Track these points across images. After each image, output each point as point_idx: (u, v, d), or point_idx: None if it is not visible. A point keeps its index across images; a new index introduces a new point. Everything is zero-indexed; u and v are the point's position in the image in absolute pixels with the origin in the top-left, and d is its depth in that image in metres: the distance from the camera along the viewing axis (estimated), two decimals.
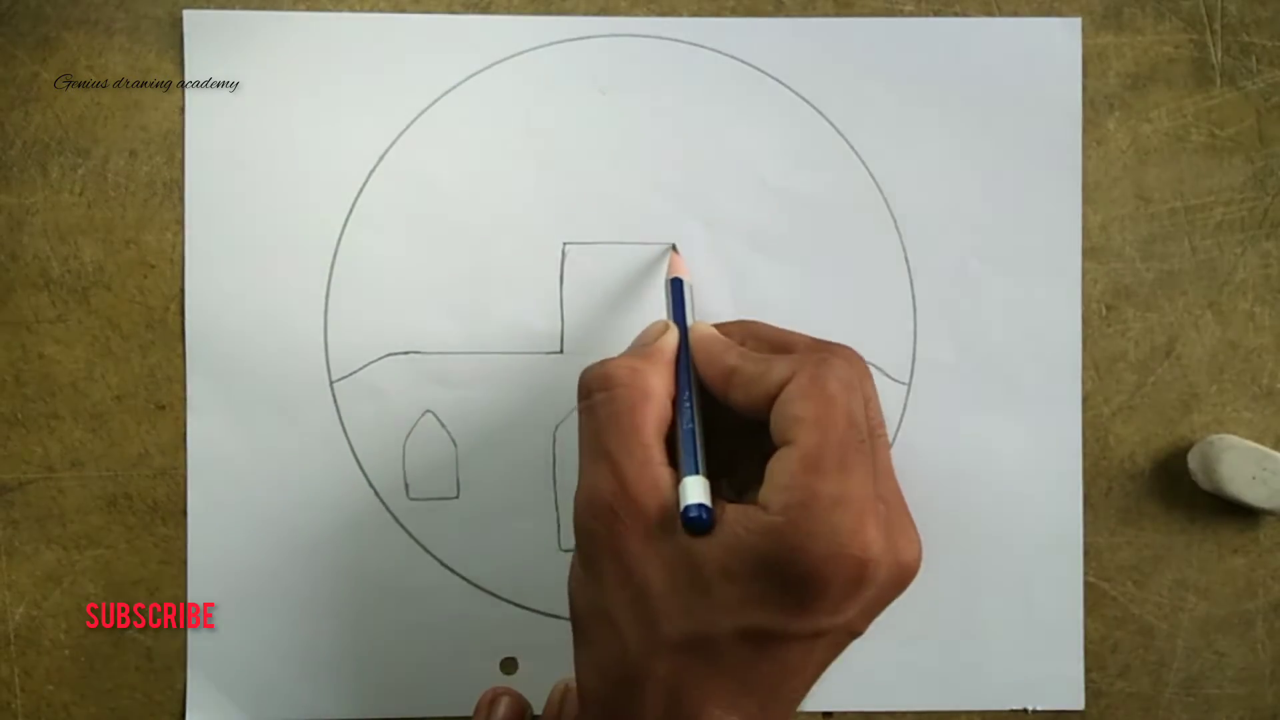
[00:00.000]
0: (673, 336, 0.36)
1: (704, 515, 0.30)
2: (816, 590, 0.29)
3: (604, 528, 0.32)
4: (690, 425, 0.33)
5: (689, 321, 0.37)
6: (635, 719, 0.31)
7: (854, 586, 0.29)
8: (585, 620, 0.33)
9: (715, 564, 0.30)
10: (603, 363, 0.34)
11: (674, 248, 0.42)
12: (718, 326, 0.36)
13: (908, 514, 0.33)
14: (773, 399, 0.32)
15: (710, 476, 0.31)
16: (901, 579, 0.32)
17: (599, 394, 0.33)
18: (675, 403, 0.34)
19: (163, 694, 0.42)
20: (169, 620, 0.42)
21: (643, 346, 0.36)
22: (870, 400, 0.33)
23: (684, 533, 0.30)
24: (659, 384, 0.34)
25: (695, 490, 0.31)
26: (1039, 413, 0.42)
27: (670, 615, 0.30)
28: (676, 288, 0.38)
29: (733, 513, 0.30)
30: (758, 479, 0.31)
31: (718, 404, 0.34)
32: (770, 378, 0.32)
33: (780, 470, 0.30)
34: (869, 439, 0.31)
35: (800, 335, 0.35)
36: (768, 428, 0.32)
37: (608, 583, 0.32)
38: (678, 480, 0.31)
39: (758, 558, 0.29)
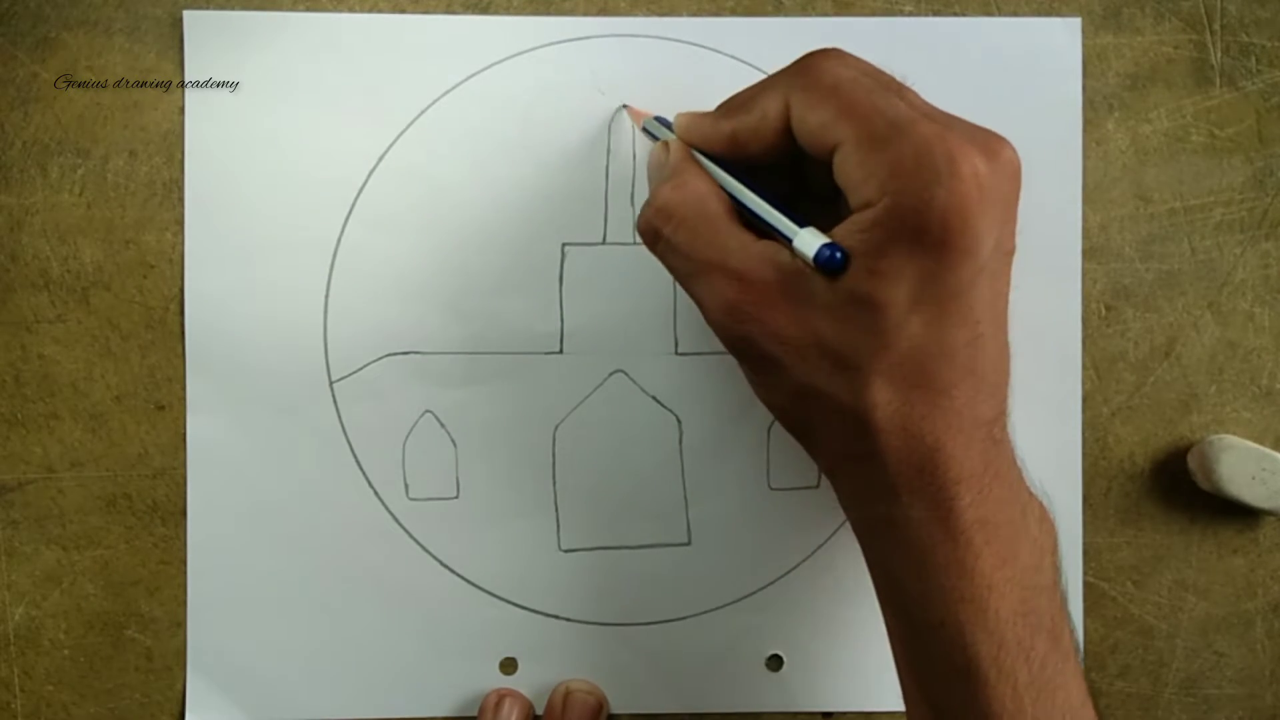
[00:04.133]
0: (678, 145, 0.36)
1: (836, 253, 0.30)
2: (955, 226, 0.29)
3: (750, 324, 0.32)
4: (757, 196, 0.33)
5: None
6: (879, 454, 0.31)
7: (980, 204, 0.29)
8: (793, 411, 0.34)
9: (864, 277, 0.30)
10: (647, 203, 0.34)
11: (624, 106, 0.42)
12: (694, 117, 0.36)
13: (976, 125, 0.32)
14: (784, 131, 0.32)
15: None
16: (1013, 174, 0.31)
17: (665, 227, 0.33)
18: (730, 191, 0.34)
19: (163, 694, 0.42)
20: (169, 620, 0.42)
21: (661, 171, 0.36)
22: (871, 70, 0.33)
23: (818, 279, 0.31)
24: (703, 182, 0.34)
25: (811, 239, 0.30)
26: (1039, 413, 0.42)
27: (857, 347, 0.31)
28: (661, 121, 0.38)
29: (843, 231, 0.30)
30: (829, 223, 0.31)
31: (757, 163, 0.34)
32: (769, 114, 0.33)
33: (849, 168, 0.30)
34: (893, 89, 0.32)
35: (775, 73, 0.35)
36: (805, 172, 0.33)
37: (786, 366, 0.32)
38: (779, 246, 0.32)
39: (894, 243, 0.29)
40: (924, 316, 0.30)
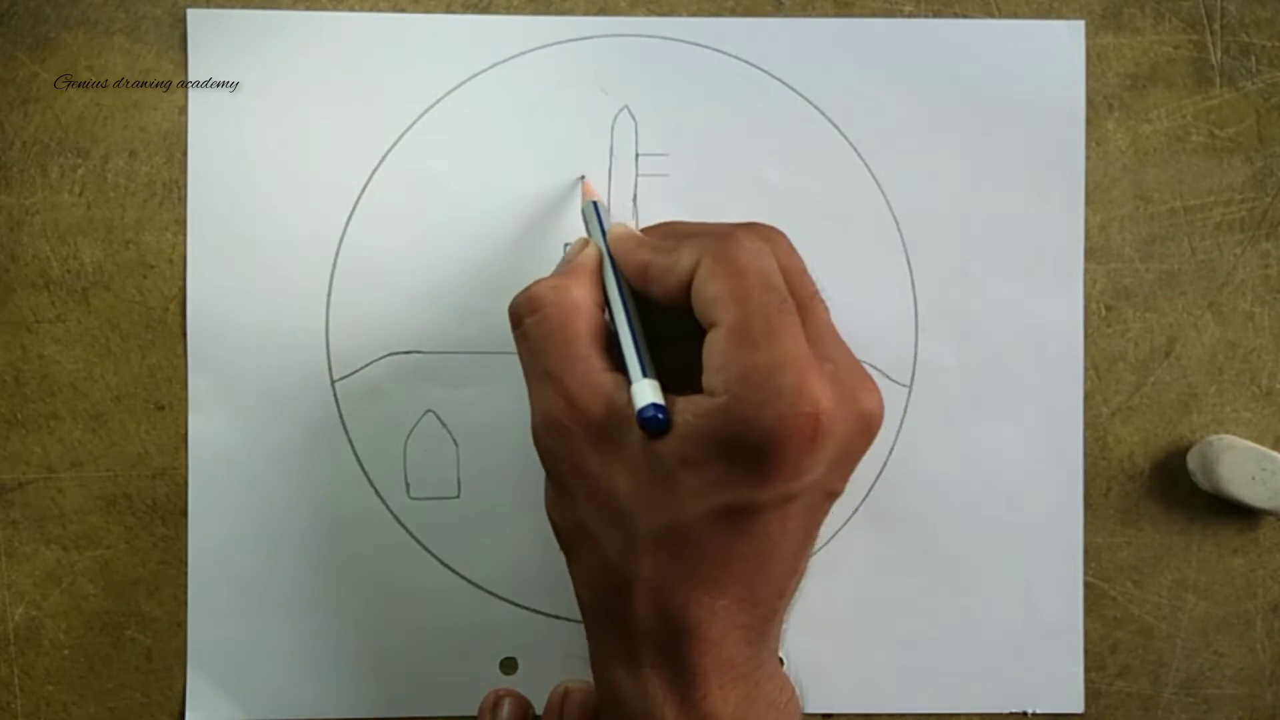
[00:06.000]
0: (592, 249, 0.36)
1: (659, 415, 0.30)
2: (773, 454, 0.29)
3: (559, 444, 0.32)
4: (629, 330, 0.33)
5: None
6: (629, 620, 0.32)
7: (810, 443, 0.29)
8: (566, 537, 0.34)
9: (673, 456, 0.30)
10: (526, 288, 0.34)
11: (582, 178, 0.42)
12: (643, 230, 0.36)
13: (860, 367, 0.32)
14: (687, 286, 0.32)
15: (660, 375, 0.31)
16: (865, 428, 0.31)
17: (528, 318, 0.33)
18: (611, 312, 0.34)
19: (163, 694, 0.42)
20: (169, 620, 0.42)
21: (565, 264, 0.36)
22: (795, 270, 0.33)
23: (639, 433, 0.31)
24: (584, 295, 0.34)
25: (646, 393, 0.31)
26: (1040, 414, 0.43)
27: (641, 514, 0.31)
28: (594, 209, 0.38)
29: (682, 404, 0.31)
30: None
31: (658, 305, 0.34)
32: (680, 265, 0.32)
33: (713, 352, 0.30)
34: (801, 301, 0.32)
35: (717, 224, 0.35)
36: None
37: (576, 497, 0.32)
38: (623, 383, 0.32)
39: (712, 440, 0.30)
40: (714, 516, 0.30)
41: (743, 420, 0.29)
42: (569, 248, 0.37)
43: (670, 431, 0.30)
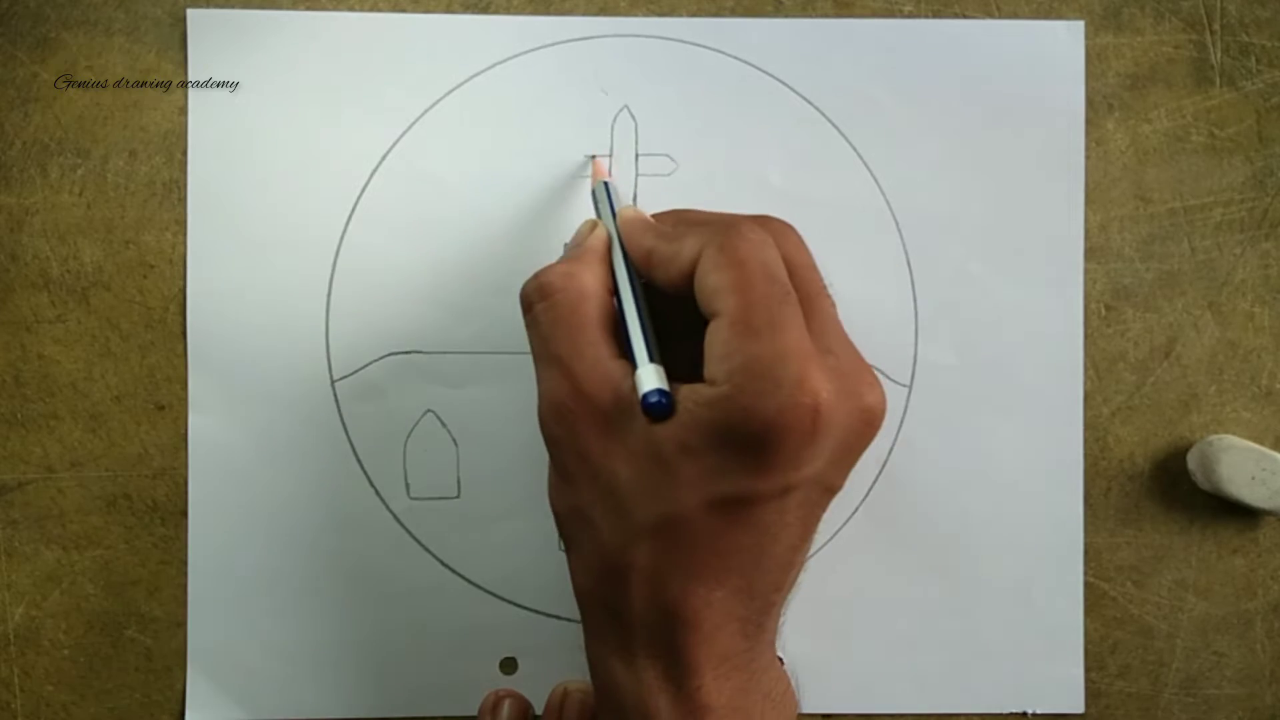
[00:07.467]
0: (601, 232, 0.36)
1: (664, 400, 0.30)
2: (772, 444, 0.29)
3: (565, 430, 0.32)
4: (636, 316, 0.33)
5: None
6: (625, 609, 0.32)
7: (810, 435, 0.29)
8: (566, 524, 0.34)
9: (674, 443, 0.30)
10: (537, 274, 0.34)
11: (593, 157, 0.42)
12: (653, 215, 0.36)
13: (864, 363, 0.32)
14: (690, 275, 0.32)
15: (664, 362, 0.32)
16: (866, 422, 0.31)
17: (539, 304, 0.34)
18: (619, 297, 0.34)
19: (163, 694, 0.42)
20: (169, 620, 0.42)
21: (574, 249, 0.36)
22: (802, 265, 0.33)
23: (642, 421, 0.31)
24: (594, 281, 0.34)
25: (651, 378, 0.31)
26: (1039, 414, 0.43)
27: (639, 502, 0.31)
28: (604, 190, 0.38)
29: (684, 392, 0.31)
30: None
31: (666, 295, 0.34)
32: (683, 254, 0.32)
33: (715, 342, 0.31)
34: (807, 295, 0.32)
35: (725, 214, 0.35)
36: None
37: (579, 483, 0.33)
38: (630, 371, 0.32)
39: (712, 429, 0.30)
40: (711, 506, 0.30)
41: (743, 410, 0.29)
42: (581, 226, 0.37)
43: (672, 417, 0.30)
